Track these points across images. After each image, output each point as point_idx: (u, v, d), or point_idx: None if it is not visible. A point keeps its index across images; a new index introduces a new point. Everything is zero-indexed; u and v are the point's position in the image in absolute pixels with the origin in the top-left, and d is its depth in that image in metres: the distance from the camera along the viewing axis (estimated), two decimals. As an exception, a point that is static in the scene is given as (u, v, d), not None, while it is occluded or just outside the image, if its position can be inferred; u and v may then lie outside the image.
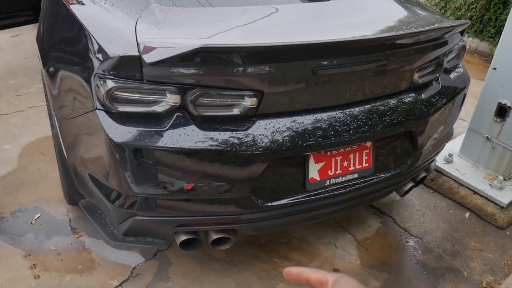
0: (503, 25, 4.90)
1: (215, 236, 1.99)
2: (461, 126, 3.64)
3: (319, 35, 1.85)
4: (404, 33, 1.88)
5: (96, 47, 1.73)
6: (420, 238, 2.69)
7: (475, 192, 2.97)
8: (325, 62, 1.73)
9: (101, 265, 2.32)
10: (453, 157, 3.16)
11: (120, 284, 2.24)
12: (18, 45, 4.64)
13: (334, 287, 0.64)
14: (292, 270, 0.71)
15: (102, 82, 1.64)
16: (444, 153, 3.11)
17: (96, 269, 2.30)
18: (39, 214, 2.60)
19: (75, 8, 1.98)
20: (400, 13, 2.23)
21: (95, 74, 1.68)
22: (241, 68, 1.63)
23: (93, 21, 1.86)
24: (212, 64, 1.61)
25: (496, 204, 2.88)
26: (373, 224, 2.77)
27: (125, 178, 1.71)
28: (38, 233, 2.48)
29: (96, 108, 1.68)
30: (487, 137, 2.99)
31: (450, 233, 2.76)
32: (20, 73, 4.09)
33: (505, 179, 2.98)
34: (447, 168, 3.10)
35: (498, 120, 2.88)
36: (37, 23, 3.72)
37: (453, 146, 3.24)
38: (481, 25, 5.38)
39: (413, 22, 2.14)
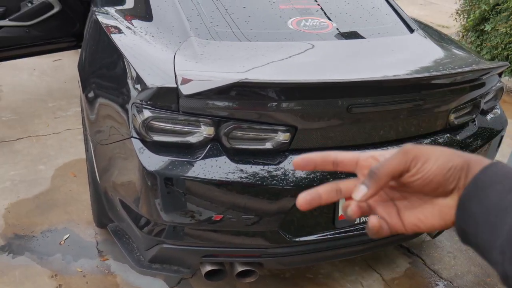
0: (541, 66, 4.82)
1: (240, 269, 1.97)
2: (495, 167, 3.55)
3: (355, 73, 1.86)
4: (441, 74, 1.87)
5: (134, 76, 1.78)
6: (450, 282, 2.60)
7: (509, 236, 2.86)
8: (360, 100, 1.73)
9: (125, 290, 2.33)
10: (487, 199, 3.08)
11: (143, 311, 2.23)
12: (58, 69, 4.81)
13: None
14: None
15: (139, 111, 1.68)
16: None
17: (120, 293, 2.31)
18: (68, 235, 2.64)
19: (116, 38, 2.04)
20: (437, 53, 2.22)
21: (133, 103, 1.72)
22: (276, 104, 1.65)
23: (133, 51, 1.92)
24: (248, 99, 1.63)
25: (531, 250, 2.77)
26: (402, 264, 2.69)
27: (155, 205, 1.73)
28: (66, 254, 2.51)
29: (132, 136, 1.72)
30: (523, 181, 2.90)
31: (482, 278, 2.66)
32: (59, 96, 4.23)
33: (541, 225, 2.87)
34: (480, 210, 3.01)
35: (536, 163, 2.80)
36: (79, 49, 3.88)
37: (487, 187, 3.16)
38: (518, 65, 5.29)
39: (450, 62, 2.13)
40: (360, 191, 0.55)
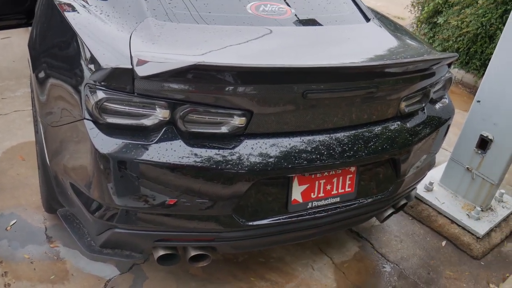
0: (489, 59, 5.03)
1: (193, 253, 1.98)
2: (442, 155, 3.70)
3: (311, 59, 1.88)
4: (393, 63, 1.92)
5: (88, 56, 1.73)
6: (396, 264, 2.71)
7: (452, 221, 3.01)
8: (316, 87, 1.76)
9: (74, 276, 2.28)
10: (434, 185, 3.21)
11: (94, 296, 2.20)
12: (7, 47, 4.60)
13: None
14: None
15: (92, 92, 1.63)
16: (425, 181, 3.15)
17: (70, 280, 2.26)
18: (15, 221, 2.55)
19: (69, 16, 1.97)
20: (391, 42, 2.28)
21: (86, 84, 1.67)
22: (233, 88, 1.65)
23: (87, 31, 1.86)
24: (204, 82, 1.61)
25: (472, 234, 2.92)
26: (351, 248, 2.78)
27: (107, 189, 1.70)
28: (12, 240, 2.43)
29: (84, 118, 1.68)
30: (467, 168, 3.04)
31: (426, 261, 2.79)
32: (7, 76, 4.05)
33: (482, 210, 3.03)
34: (427, 196, 3.14)
35: (479, 152, 2.94)
36: (28, 27, 3.71)
37: (434, 174, 3.29)
38: (467, 57, 5.51)
39: (403, 52, 2.19)
40: None
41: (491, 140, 2.86)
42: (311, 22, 2.27)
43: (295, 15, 2.25)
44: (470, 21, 5.29)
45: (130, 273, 2.35)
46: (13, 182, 2.82)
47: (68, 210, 2.17)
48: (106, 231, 1.88)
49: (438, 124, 2.30)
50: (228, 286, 2.37)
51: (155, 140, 1.67)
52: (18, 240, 2.44)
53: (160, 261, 1.98)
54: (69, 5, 2.08)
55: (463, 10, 5.47)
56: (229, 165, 1.72)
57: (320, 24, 2.27)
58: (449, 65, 2.22)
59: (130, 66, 1.59)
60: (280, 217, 1.94)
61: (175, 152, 1.67)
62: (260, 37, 2.02)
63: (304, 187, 1.95)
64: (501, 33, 2.73)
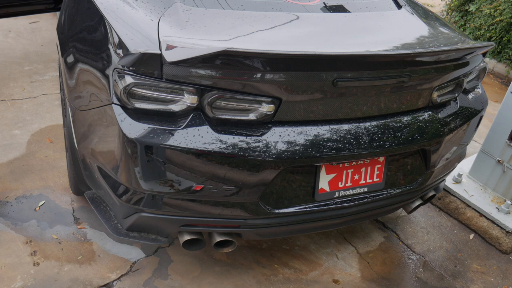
0: (522, 48, 4.89)
1: (219, 239, 1.98)
2: (472, 146, 3.62)
3: (342, 47, 1.84)
4: (426, 51, 1.86)
5: (117, 41, 1.73)
6: (422, 256, 2.67)
7: (481, 214, 2.94)
8: (346, 75, 1.72)
9: (101, 257, 2.32)
10: (462, 177, 3.14)
11: (119, 278, 2.23)
12: (35, 31, 4.66)
13: None
14: None
15: (120, 77, 1.63)
16: (453, 172, 3.09)
17: (96, 261, 2.30)
18: (43, 202, 2.60)
19: (98, 1, 1.97)
20: (424, 30, 2.21)
21: (114, 69, 1.67)
22: (261, 74, 1.62)
23: (116, 15, 1.86)
24: (233, 68, 1.60)
25: (501, 228, 2.85)
26: (377, 238, 2.75)
27: (135, 173, 1.71)
28: (41, 220, 2.48)
29: (113, 103, 1.68)
30: (498, 160, 2.96)
31: (453, 254, 2.74)
32: (36, 60, 4.11)
33: (512, 204, 2.96)
34: (455, 188, 3.08)
35: (511, 144, 2.86)
36: (56, 12, 3.74)
37: (463, 166, 3.22)
38: (500, 47, 5.35)
39: (437, 40, 2.12)
40: None
41: (524, 132, 2.78)
42: (341, 9, 2.22)
43: (324, 1, 2.21)
44: (504, 9, 5.13)
45: (155, 256, 2.38)
46: (41, 164, 2.87)
47: (95, 193, 2.19)
48: (132, 215, 1.90)
49: (470, 115, 2.24)
50: (252, 272, 2.38)
51: (183, 126, 1.67)
52: (46, 220, 2.48)
53: (186, 245, 1.99)
54: (98, -11, 2.08)
55: (496, -2, 5.30)
56: (257, 152, 1.70)
57: (350, 11, 2.22)
58: (483, 54, 2.15)
59: (158, 51, 1.59)
60: (306, 206, 1.93)
61: (202, 138, 1.66)
62: (289, 23, 1.98)
63: (331, 176, 1.92)
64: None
